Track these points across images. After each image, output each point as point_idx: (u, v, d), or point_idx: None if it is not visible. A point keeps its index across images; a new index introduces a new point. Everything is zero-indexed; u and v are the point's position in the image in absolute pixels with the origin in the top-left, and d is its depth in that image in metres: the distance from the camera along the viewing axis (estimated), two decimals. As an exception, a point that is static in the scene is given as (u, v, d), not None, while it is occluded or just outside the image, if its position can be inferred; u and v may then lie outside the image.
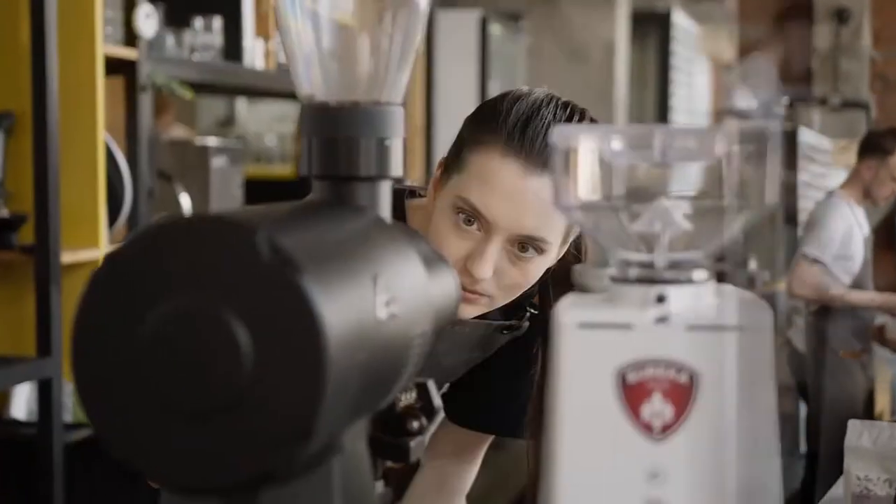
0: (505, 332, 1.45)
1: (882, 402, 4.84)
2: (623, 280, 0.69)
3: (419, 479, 1.56)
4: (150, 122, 2.93)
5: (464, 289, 1.27)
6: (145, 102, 2.88)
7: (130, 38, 2.82)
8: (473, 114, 1.34)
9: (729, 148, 0.66)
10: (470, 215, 1.26)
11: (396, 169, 0.78)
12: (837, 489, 2.14)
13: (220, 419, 0.60)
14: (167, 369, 0.60)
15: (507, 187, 1.25)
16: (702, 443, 0.66)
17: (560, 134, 0.68)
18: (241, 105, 5.23)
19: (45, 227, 2.40)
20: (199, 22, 3.23)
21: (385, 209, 0.78)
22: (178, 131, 4.45)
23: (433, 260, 0.83)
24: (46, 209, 2.40)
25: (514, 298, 1.33)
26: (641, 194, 0.70)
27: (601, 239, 0.70)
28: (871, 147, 4.53)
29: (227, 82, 3.45)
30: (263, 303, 0.59)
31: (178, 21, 3.20)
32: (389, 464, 0.92)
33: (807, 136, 6.80)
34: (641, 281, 0.68)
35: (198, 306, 0.60)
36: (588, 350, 0.67)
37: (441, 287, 0.82)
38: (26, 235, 2.48)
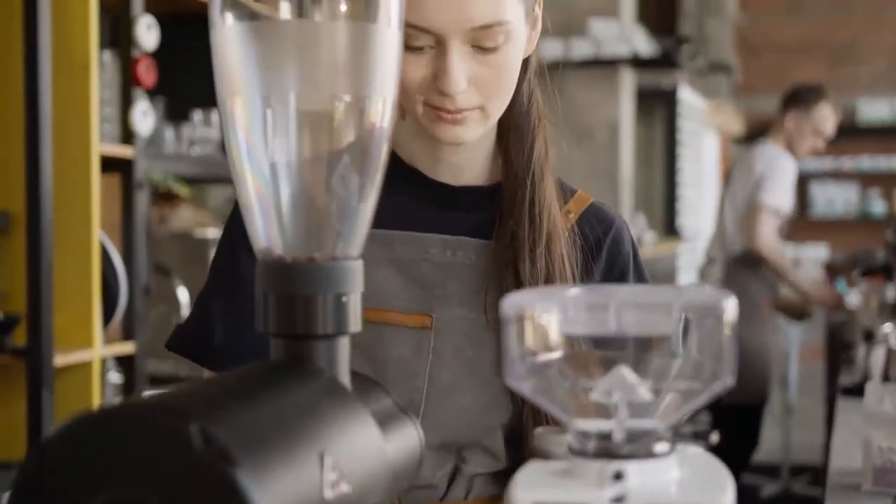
0: None
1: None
2: (581, 453, 0.66)
3: None
4: (146, 218, 2.92)
5: (449, 111, 1.19)
6: (142, 200, 2.87)
7: (127, 133, 2.82)
8: None
9: (682, 320, 0.64)
10: (412, 37, 1.15)
11: (355, 325, 0.76)
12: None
13: None
14: (98, 565, 0.57)
15: None
16: None
17: (510, 303, 0.66)
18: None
19: (38, 329, 2.38)
20: (197, 115, 3.24)
21: (343, 368, 0.75)
22: (186, 214, 4.45)
23: (392, 415, 0.80)
24: (39, 311, 2.38)
25: (507, 100, 1.24)
26: (600, 361, 0.68)
27: (557, 409, 0.68)
28: (794, 99, 4.60)
29: (226, 175, 3.45)
30: (197, 497, 0.57)
31: (177, 115, 3.20)
32: None
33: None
34: (599, 455, 0.66)
35: (129, 501, 0.57)
36: (543, 530, 0.64)
37: (399, 444, 0.79)
38: (19, 337, 2.46)
